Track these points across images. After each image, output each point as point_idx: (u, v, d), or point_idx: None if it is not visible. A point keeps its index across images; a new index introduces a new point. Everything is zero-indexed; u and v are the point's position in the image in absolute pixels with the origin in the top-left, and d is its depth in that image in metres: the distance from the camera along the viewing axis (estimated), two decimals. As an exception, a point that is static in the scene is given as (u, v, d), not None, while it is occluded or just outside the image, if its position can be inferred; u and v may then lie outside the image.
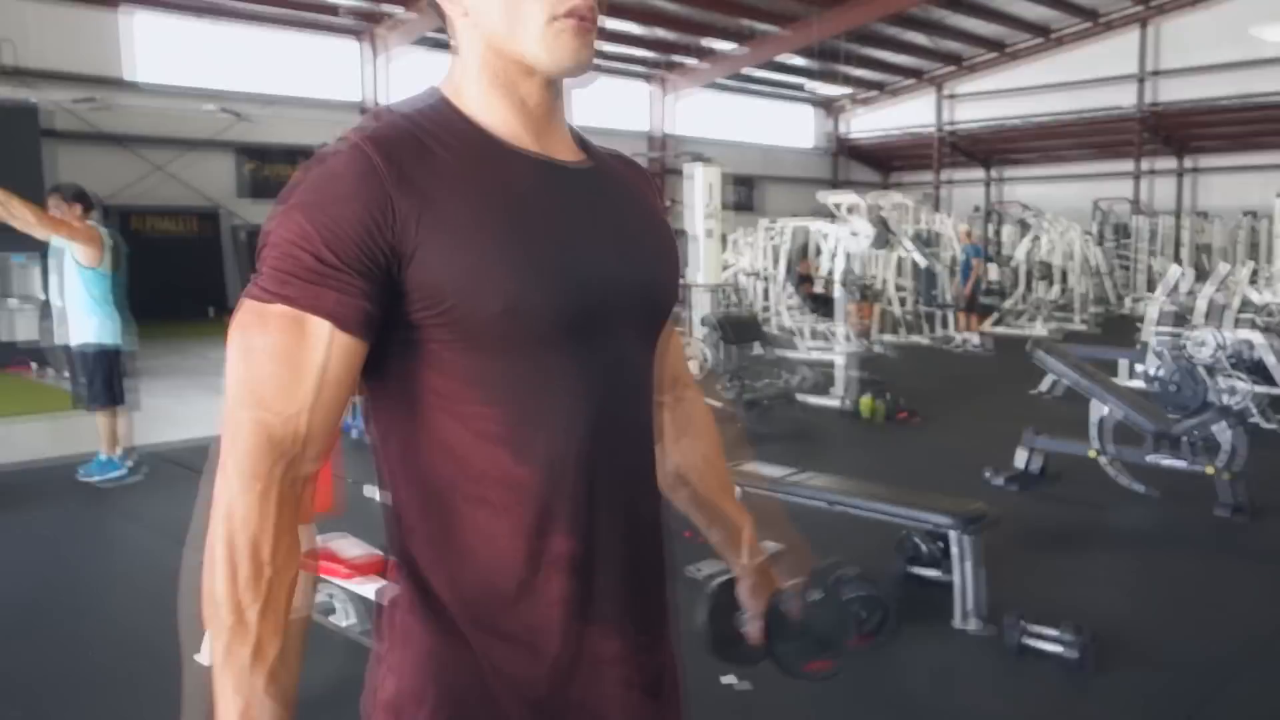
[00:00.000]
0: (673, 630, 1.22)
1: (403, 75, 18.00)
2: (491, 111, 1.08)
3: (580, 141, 1.18)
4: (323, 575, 3.38)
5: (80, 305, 5.81)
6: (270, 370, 0.97)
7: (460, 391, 1.03)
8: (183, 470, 6.24)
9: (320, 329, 0.97)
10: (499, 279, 1.00)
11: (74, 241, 5.69)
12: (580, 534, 1.07)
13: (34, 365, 10.67)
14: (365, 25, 17.25)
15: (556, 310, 1.03)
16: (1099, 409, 5.67)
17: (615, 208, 1.15)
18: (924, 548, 4.19)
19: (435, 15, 1.11)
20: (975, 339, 12.91)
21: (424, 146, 1.03)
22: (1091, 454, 5.66)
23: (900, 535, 4.27)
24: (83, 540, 5.17)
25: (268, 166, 17.16)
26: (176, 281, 15.39)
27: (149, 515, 5.45)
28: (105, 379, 5.88)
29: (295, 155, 16.73)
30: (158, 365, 10.35)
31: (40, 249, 7.16)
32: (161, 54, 15.81)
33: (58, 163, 12.43)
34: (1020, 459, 5.90)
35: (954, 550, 3.85)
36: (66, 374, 7.44)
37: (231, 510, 0.95)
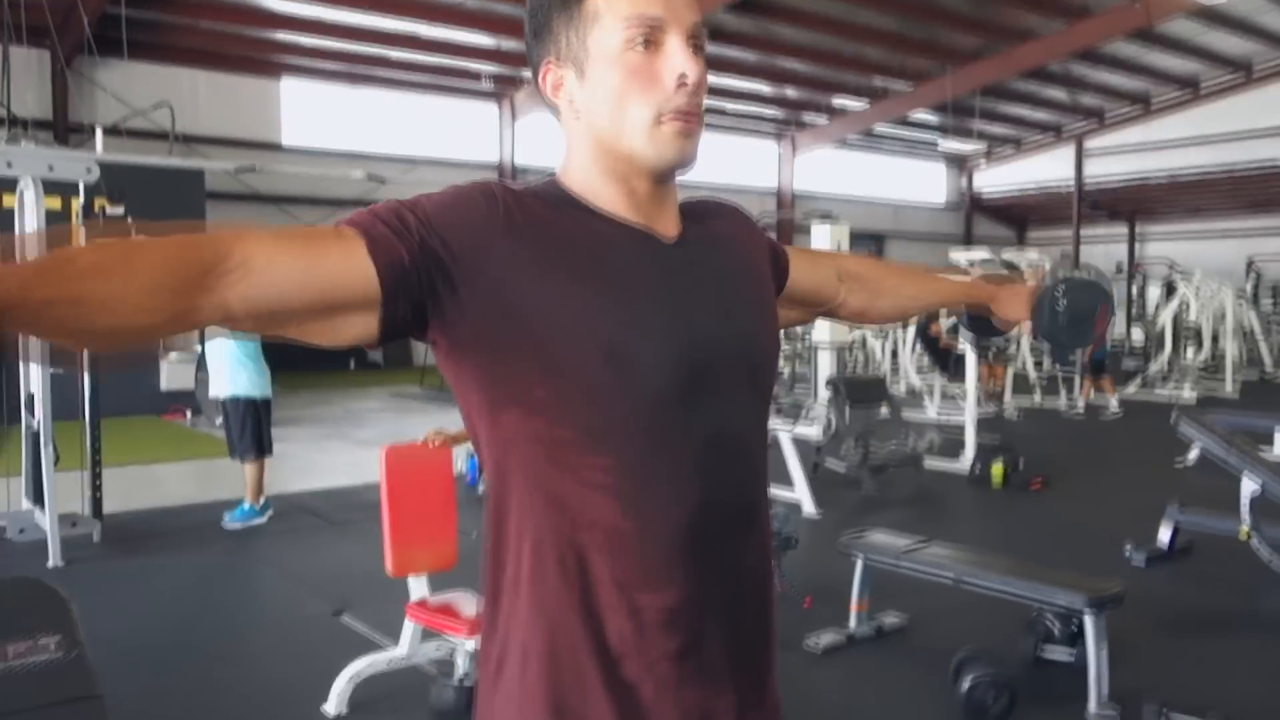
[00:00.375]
0: (774, 687, 1.21)
1: (536, 137, 18.60)
2: (601, 197, 1.12)
3: (684, 213, 1.20)
4: (442, 631, 3.46)
5: (231, 359, 6.17)
6: (278, 231, 0.98)
7: (566, 440, 1.05)
8: (318, 520, 6.51)
9: (350, 237, 0.98)
10: (603, 325, 1.03)
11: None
12: (686, 589, 1.07)
13: (188, 413, 11.31)
14: (504, 90, 17.90)
15: (662, 360, 1.05)
16: (1251, 486, 5.34)
17: (716, 270, 1.17)
18: (1056, 628, 4.01)
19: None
20: (1082, 404, 12.47)
21: (539, 204, 1.09)
22: (1243, 534, 5.32)
23: (1031, 614, 4.09)
24: (221, 585, 5.42)
25: (406, 225, 17.89)
26: None
27: (282, 562, 5.68)
28: (255, 431, 6.21)
29: (433, 214, 17.42)
30: (300, 415, 10.83)
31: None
32: (311, 119, 16.75)
33: (216, 221, 13.27)
34: (1163, 535, 5.59)
35: (1089, 633, 3.66)
36: (218, 423, 7.86)
37: (139, 240, 0.89)
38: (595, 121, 1.10)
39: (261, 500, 6.35)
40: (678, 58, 1.08)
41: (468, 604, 3.40)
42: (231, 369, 6.17)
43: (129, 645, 4.23)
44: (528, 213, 1.06)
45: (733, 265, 1.21)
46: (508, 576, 1.09)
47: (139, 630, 4.51)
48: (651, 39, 1.07)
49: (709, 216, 1.24)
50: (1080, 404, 12.44)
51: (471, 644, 3.31)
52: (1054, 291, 1.63)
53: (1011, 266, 10.26)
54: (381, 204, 1.02)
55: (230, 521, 6.27)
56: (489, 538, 1.12)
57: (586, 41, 1.09)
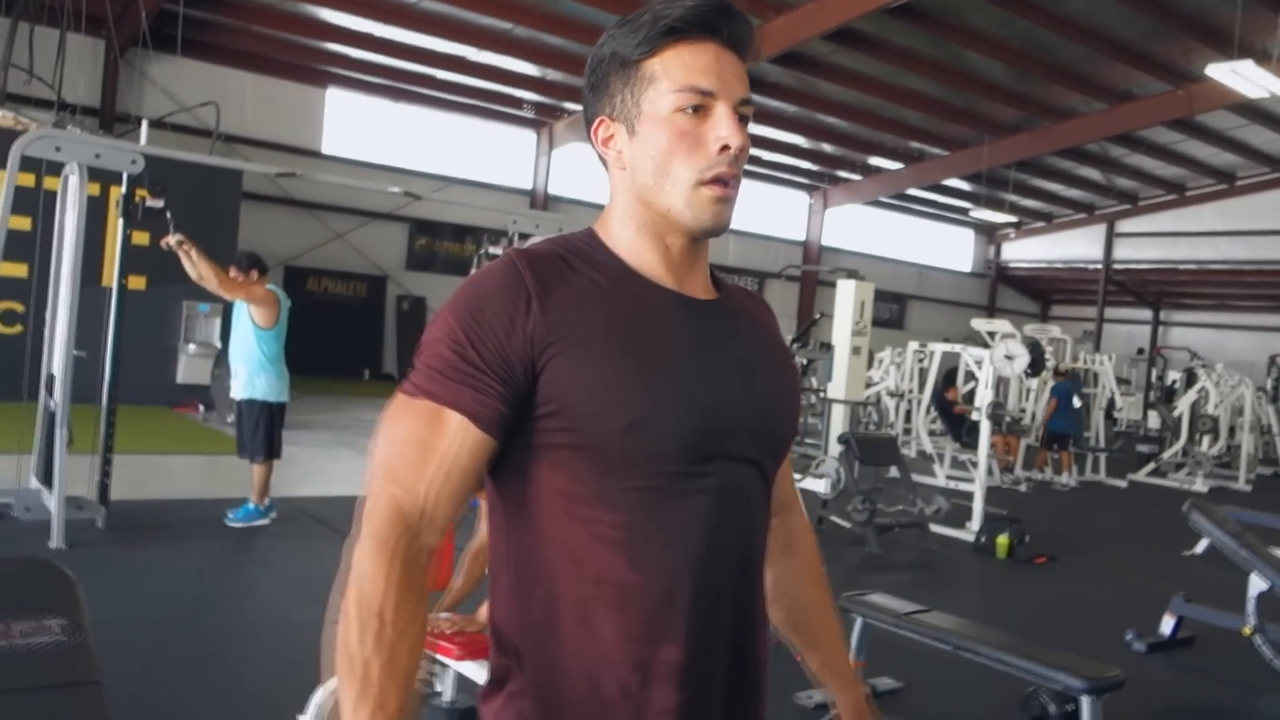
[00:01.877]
0: None
1: (570, 168, 18.74)
2: (636, 252, 1.19)
3: (715, 280, 1.27)
4: (434, 652, 3.45)
5: (253, 362, 6.19)
6: (407, 452, 1.09)
7: (584, 495, 1.10)
8: (321, 526, 6.51)
9: (454, 421, 1.08)
10: (628, 396, 1.08)
11: (253, 304, 6.11)
12: (689, 646, 1.10)
13: (201, 408, 11.38)
14: (543, 118, 18.09)
15: (679, 431, 1.10)
16: (1259, 584, 5.29)
17: (742, 342, 1.23)
18: (1052, 708, 3.97)
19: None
20: (1039, 476, 12.60)
21: (570, 268, 1.14)
22: (1246, 631, 5.26)
23: (1027, 691, 4.05)
24: (219, 583, 5.43)
25: (436, 242, 18.07)
26: (340, 341, 16.30)
27: (282, 566, 5.68)
28: (267, 433, 6.23)
29: (464, 234, 17.57)
30: (311, 420, 10.87)
31: (224, 302, 7.69)
32: (352, 130, 16.95)
33: (248, 222, 13.39)
34: (1166, 626, 5.53)
35: (1085, 716, 3.63)
36: (230, 420, 7.90)
37: (361, 572, 1.06)
38: (639, 177, 1.17)
39: (266, 501, 6.37)
40: (724, 126, 1.15)
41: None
42: (252, 371, 6.20)
43: (122, 634, 4.23)
44: (555, 281, 1.12)
45: (758, 338, 1.27)
46: (520, 619, 1.14)
47: (133, 620, 4.51)
48: (701, 106, 1.14)
49: (740, 295, 1.32)
50: (1037, 476, 12.55)
51: (462, 666, 3.30)
52: None
53: (1035, 346, 10.25)
54: (429, 359, 1.11)
55: (233, 520, 6.28)
56: (504, 582, 1.16)
57: (640, 101, 1.16)
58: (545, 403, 1.09)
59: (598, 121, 1.20)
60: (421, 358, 1.11)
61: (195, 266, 5.88)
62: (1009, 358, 9.57)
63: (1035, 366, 10.04)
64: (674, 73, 1.14)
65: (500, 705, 1.14)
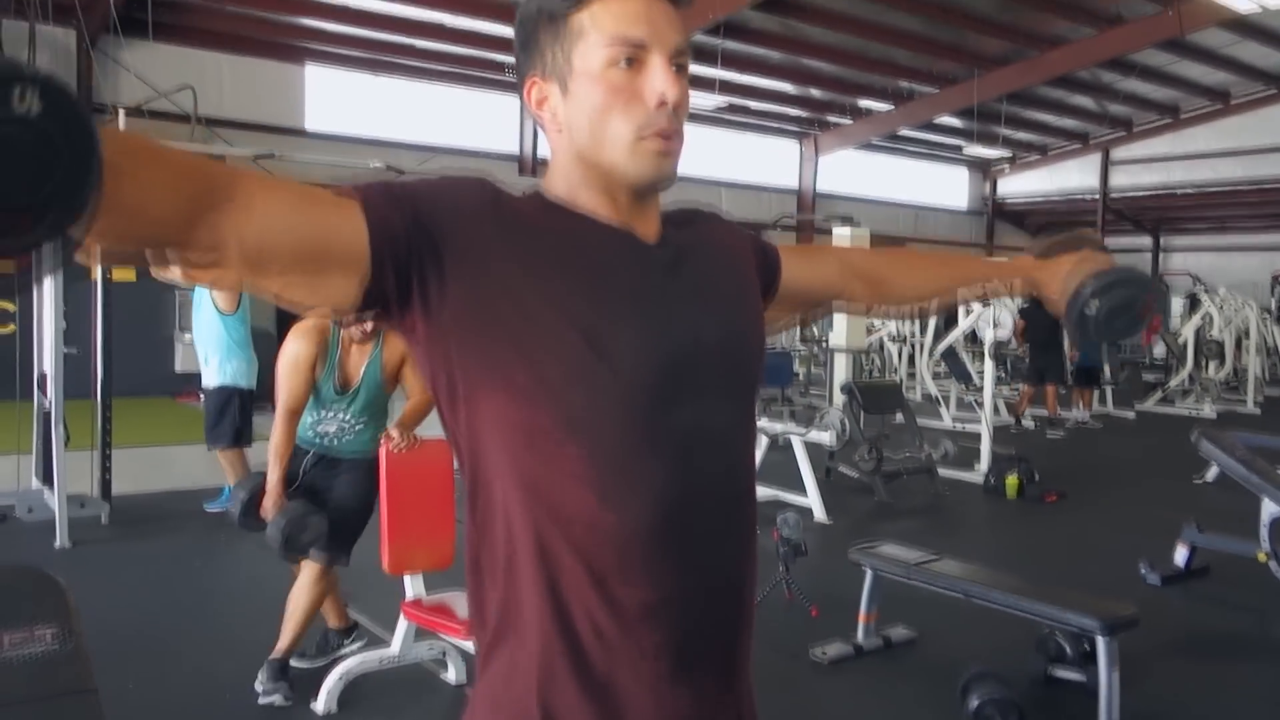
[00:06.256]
0: (748, 683, 1.21)
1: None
2: (583, 201, 1.14)
3: (665, 220, 1.21)
4: (437, 630, 3.42)
5: (222, 348, 5.98)
6: (286, 182, 1.00)
7: (550, 429, 1.04)
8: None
9: (346, 200, 1.00)
10: (581, 314, 1.04)
11: (215, 289, 5.93)
12: (666, 583, 1.08)
13: (201, 396, 11.31)
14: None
15: (638, 352, 1.06)
16: (1271, 508, 5.25)
17: (697, 270, 1.18)
18: (1068, 649, 3.94)
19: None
20: (1082, 415, 12.20)
21: (524, 204, 1.11)
22: (1261, 557, 5.24)
23: (1042, 633, 4.03)
24: (225, 572, 5.41)
25: (426, 214, 17.93)
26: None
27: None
28: (234, 420, 5.99)
29: (452, 204, 17.41)
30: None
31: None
32: (335, 104, 16.74)
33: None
34: (1179, 556, 5.51)
35: (1101, 656, 3.60)
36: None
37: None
38: (577, 137, 1.12)
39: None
40: (659, 79, 1.09)
41: (464, 604, 3.36)
42: (222, 357, 5.99)
43: (131, 630, 4.22)
44: (513, 209, 1.09)
45: (714, 266, 1.22)
46: (488, 564, 1.10)
47: (142, 615, 4.50)
48: (634, 58, 1.09)
49: (690, 222, 1.25)
50: (1085, 415, 12.25)
51: (467, 644, 3.27)
52: (1085, 295, 1.51)
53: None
54: (378, 181, 1.04)
55: (212, 507, 6.19)
56: (470, 529, 1.12)
57: (571, 57, 1.10)
58: (498, 324, 1.03)
59: (529, 82, 1.15)
60: None
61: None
62: (996, 325, 9.48)
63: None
64: (603, 24, 1.08)
65: (486, 656, 1.12)
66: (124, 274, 7.30)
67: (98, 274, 6.16)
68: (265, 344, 6.30)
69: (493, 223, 1.05)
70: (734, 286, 1.23)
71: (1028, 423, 11.60)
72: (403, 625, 3.58)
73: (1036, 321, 10.91)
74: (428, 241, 1.01)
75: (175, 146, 0.93)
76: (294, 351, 3.51)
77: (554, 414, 1.04)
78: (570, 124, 1.12)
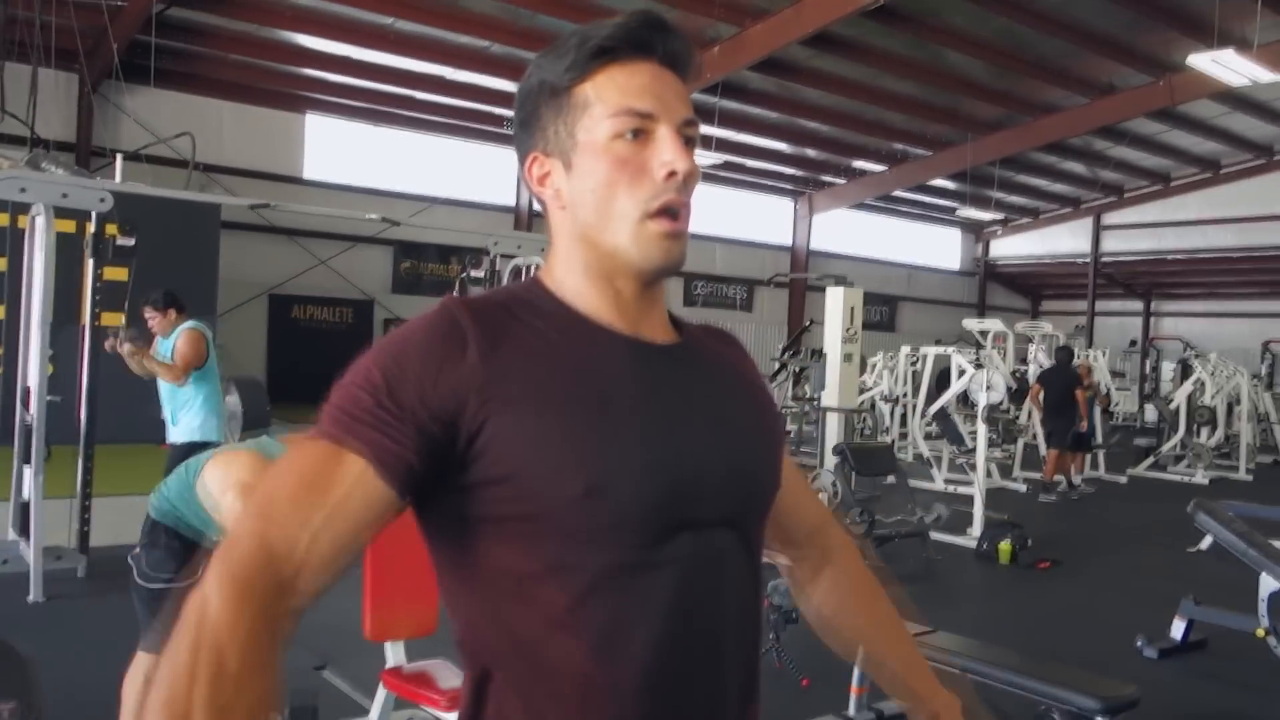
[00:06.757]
0: None
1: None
2: (584, 297, 1.07)
3: (674, 322, 1.15)
4: (417, 701, 3.32)
5: (189, 405, 5.78)
6: (290, 488, 0.93)
7: (537, 574, 0.98)
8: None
9: (354, 464, 0.93)
10: (582, 457, 0.96)
11: (188, 361, 5.68)
12: None
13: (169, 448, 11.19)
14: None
15: (643, 494, 0.98)
16: (1269, 583, 5.17)
17: (709, 387, 1.10)
18: (1065, 727, 3.84)
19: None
20: (1074, 479, 11.77)
21: (514, 318, 1.03)
22: (1259, 633, 5.15)
23: (1040, 710, 3.92)
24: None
25: (421, 264, 17.96)
26: (327, 368, 15.73)
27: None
28: None
29: (449, 255, 17.44)
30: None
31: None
32: (334, 154, 16.84)
33: (229, 251, 13.24)
34: (1177, 630, 5.41)
35: (1099, 737, 3.50)
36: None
37: (204, 614, 0.84)
38: (581, 215, 1.06)
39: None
40: (668, 150, 1.04)
41: (446, 674, 3.26)
42: (189, 414, 5.78)
43: (101, 695, 4.08)
44: (499, 333, 1.00)
45: (728, 380, 1.14)
46: (465, 663, 1.04)
47: (114, 676, 4.35)
48: (641, 130, 1.04)
49: (705, 334, 1.19)
50: (1077, 479, 12.02)
51: (449, 716, 3.16)
52: None
53: (1028, 340, 10.16)
54: (339, 401, 0.97)
55: None
56: (466, 674, 1.05)
57: (574, 131, 1.05)
58: (487, 468, 0.96)
59: (530, 158, 1.09)
60: (331, 401, 0.97)
61: (146, 370, 5.66)
62: (989, 388, 9.46)
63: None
64: (608, 96, 1.03)
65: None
66: (112, 319, 7.22)
67: (86, 319, 6.10)
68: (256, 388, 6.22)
69: (482, 371, 0.97)
70: (751, 404, 1.16)
71: (1049, 496, 11.20)
72: (381, 694, 3.47)
73: (1053, 385, 10.91)
74: (435, 448, 0.95)
75: (223, 610, 0.86)
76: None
77: (544, 560, 0.98)
78: (574, 200, 1.06)
